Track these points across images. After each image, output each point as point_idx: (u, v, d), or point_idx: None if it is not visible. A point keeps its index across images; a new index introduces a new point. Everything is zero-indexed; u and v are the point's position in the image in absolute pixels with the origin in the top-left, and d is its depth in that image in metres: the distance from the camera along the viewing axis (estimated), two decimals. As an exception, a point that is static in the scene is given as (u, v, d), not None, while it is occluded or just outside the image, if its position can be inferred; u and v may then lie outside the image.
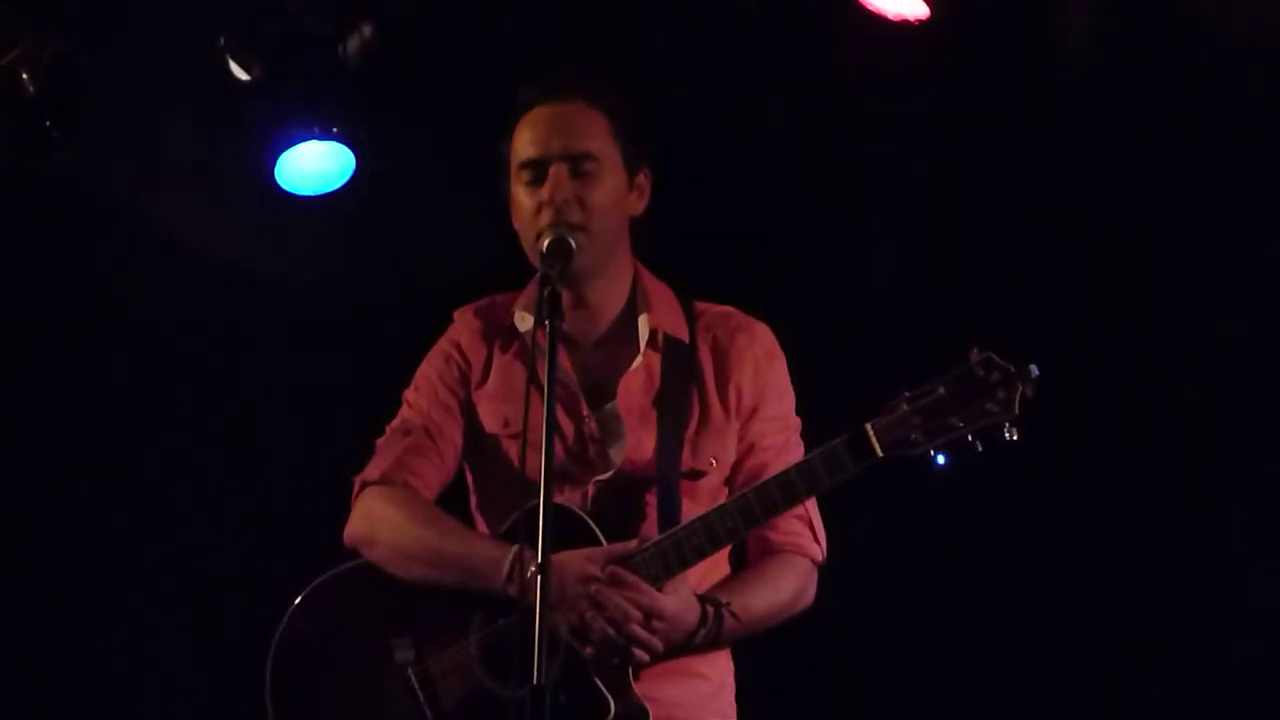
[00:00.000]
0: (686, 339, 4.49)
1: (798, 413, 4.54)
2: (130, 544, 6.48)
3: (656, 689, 4.27)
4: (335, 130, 6.15)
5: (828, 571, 4.51)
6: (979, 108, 6.13)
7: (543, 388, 3.97)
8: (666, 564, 4.21)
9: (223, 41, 6.03)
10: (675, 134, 4.55)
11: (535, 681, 3.74)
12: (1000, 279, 6.18)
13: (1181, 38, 5.85)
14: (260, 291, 6.53)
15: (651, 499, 4.36)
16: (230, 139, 6.21)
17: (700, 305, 4.57)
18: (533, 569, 3.96)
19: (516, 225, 4.46)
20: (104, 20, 5.89)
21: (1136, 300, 6.06)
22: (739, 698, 4.50)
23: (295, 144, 6.15)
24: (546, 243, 4.29)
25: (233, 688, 5.21)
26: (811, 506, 4.45)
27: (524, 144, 4.44)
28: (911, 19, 5.74)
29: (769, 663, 4.76)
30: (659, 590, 4.19)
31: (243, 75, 6.04)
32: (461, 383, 4.54)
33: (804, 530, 4.44)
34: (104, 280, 6.48)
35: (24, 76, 5.75)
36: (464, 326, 4.60)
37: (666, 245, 4.59)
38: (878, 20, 5.76)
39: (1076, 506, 6.11)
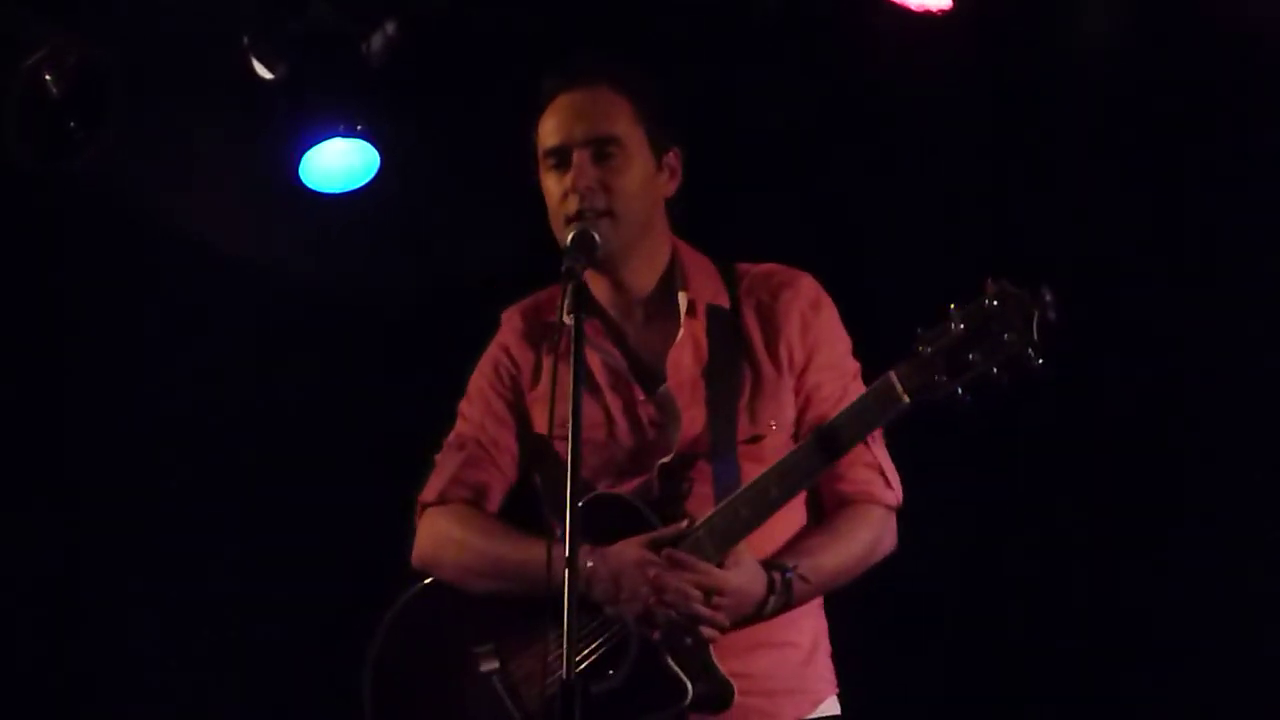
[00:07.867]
0: (728, 305, 4.46)
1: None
2: (160, 544, 6.49)
3: (745, 663, 4.25)
4: (359, 128, 6.16)
5: (917, 525, 4.44)
6: (1001, 98, 6.12)
7: (589, 383, 3.99)
8: (723, 538, 4.19)
9: (246, 40, 6.04)
10: (696, 128, 4.54)
11: (566, 676, 3.77)
12: (1025, 267, 6.15)
13: (1209, 23, 5.83)
14: (285, 289, 6.55)
15: (711, 473, 4.33)
16: (254, 138, 6.22)
17: (743, 268, 4.54)
18: (589, 564, 4.08)
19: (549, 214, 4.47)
20: (127, 20, 5.91)
21: (1166, 286, 6.04)
22: (838, 661, 4.44)
23: (319, 142, 6.16)
24: (570, 237, 4.29)
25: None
26: (880, 451, 4.40)
27: (547, 132, 4.44)
28: (934, 9, 5.74)
29: (869, 623, 4.67)
30: (720, 565, 4.18)
31: (266, 74, 6.04)
32: (513, 389, 4.54)
33: (874, 477, 4.39)
34: (127, 279, 6.50)
35: (48, 77, 5.77)
36: (510, 330, 4.60)
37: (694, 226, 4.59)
38: (900, 11, 5.75)
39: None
